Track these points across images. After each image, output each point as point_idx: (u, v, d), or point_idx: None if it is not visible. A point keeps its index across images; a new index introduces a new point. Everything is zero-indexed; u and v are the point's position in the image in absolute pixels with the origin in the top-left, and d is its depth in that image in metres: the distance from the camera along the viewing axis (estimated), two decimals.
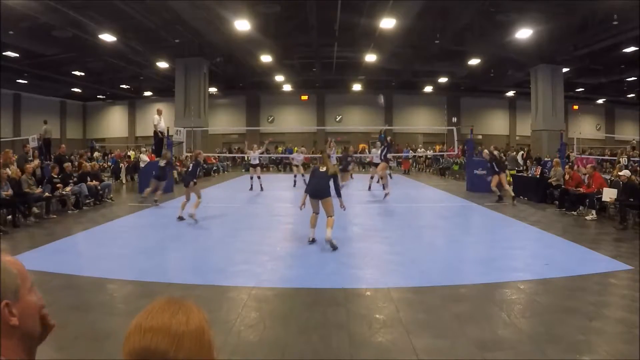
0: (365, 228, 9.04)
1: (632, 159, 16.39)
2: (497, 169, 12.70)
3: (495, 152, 14.84)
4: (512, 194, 12.34)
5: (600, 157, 22.07)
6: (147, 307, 0.92)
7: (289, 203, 12.70)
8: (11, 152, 12.52)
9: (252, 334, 3.96)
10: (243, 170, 25.05)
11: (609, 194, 9.56)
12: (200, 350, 0.88)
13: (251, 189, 15.59)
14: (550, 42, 19.89)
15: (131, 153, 24.51)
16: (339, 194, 7.40)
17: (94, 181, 12.20)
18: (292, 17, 19.08)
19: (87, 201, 11.66)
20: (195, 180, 9.87)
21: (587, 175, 10.68)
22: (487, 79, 29.17)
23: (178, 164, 19.72)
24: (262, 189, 15.38)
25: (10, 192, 9.26)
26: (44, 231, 8.77)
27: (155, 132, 16.05)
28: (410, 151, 27.73)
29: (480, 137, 32.12)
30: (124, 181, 19.08)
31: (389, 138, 13.68)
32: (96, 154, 24.07)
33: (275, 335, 4.00)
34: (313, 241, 7.41)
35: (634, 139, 22.38)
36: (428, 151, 28.88)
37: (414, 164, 28.91)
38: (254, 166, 15.89)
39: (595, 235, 8.42)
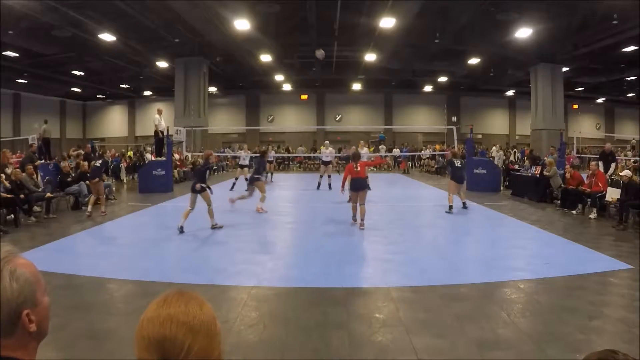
0: (365, 227, 9.03)
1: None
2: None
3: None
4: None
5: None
6: (159, 297, 0.93)
7: (289, 202, 12.71)
8: (9, 152, 12.51)
9: (251, 334, 3.96)
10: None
11: (612, 194, 9.55)
12: (212, 340, 0.90)
13: (318, 187, 15.74)
14: (550, 41, 19.88)
15: (129, 152, 24.50)
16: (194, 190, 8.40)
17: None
18: (291, 17, 19.07)
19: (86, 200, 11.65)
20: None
21: (591, 174, 10.59)
22: (486, 78, 29.16)
23: (179, 163, 19.74)
24: (330, 187, 15.42)
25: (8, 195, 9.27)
26: (44, 230, 8.78)
27: (155, 132, 16.08)
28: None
29: (480, 136, 32.14)
30: (124, 181, 19.09)
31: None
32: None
33: (275, 335, 3.99)
34: (181, 229, 8.20)
35: (633, 138, 22.40)
36: (427, 150, 28.86)
37: (416, 164, 28.86)
38: (326, 164, 16.21)
39: (595, 234, 8.40)
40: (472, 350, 3.61)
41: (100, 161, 11.80)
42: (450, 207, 10.48)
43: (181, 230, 8.15)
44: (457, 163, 10.79)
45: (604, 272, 5.78)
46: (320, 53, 18.49)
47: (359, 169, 8.68)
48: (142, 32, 19.47)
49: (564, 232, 8.42)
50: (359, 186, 8.70)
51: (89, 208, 10.21)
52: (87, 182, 11.10)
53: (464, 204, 10.96)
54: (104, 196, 10.89)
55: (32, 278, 0.94)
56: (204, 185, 8.35)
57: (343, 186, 9.23)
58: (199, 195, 8.36)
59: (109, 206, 11.88)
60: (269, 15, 18.28)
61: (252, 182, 10.55)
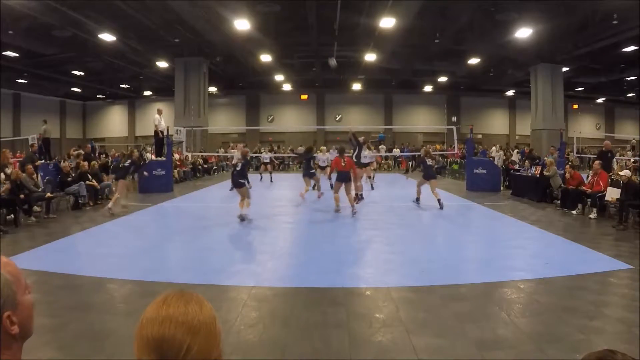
0: (365, 227, 9.04)
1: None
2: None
3: None
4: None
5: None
6: (159, 297, 0.93)
7: (288, 202, 12.70)
8: (9, 152, 12.50)
9: (251, 334, 3.96)
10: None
11: (611, 194, 9.53)
12: (212, 340, 0.90)
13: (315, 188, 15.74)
14: (550, 41, 19.88)
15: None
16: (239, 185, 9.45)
17: (93, 181, 12.21)
18: (291, 17, 19.07)
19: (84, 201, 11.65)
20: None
21: (593, 173, 10.56)
22: (486, 79, 29.16)
23: (179, 163, 19.73)
24: (331, 187, 15.38)
25: (8, 185, 9.28)
26: (44, 230, 8.77)
27: (155, 132, 16.08)
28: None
29: (480, 136, 32.13)
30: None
31: (361, 138, 13.39)
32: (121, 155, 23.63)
33: (275, 335, 3.99)
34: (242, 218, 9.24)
35: (633, 139, 22.38)
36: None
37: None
38: (323, 168, 16.31)
39: (595, 234, 8.41)
40: (472, 350, 3.61)
41: (129, 161, 11.91)
42: (417, 199, 11.66)
43: (242, 218, 9.25)
44: (429, 162, 11.65)
45: (604, 272, 5.78)
46: (332, 63, 18.61)
47: (344, 164, 10.17)
48: (142, 32, 19.47)
49: (564, 232, 8.41)
50: (344, 178, 10.17)
51: (110, 204, 10.44)
52: (114, 179, 11.63)
53: (439, 201, 11.03)
54: (127, 191, 11.60)
55: (11, 278, 0.90)
56: (242, 181, 9.44)
57: (330, 175, 10.88)
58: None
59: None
60: (269, 15, 18.28)
61: (310, 177, 12.71)
